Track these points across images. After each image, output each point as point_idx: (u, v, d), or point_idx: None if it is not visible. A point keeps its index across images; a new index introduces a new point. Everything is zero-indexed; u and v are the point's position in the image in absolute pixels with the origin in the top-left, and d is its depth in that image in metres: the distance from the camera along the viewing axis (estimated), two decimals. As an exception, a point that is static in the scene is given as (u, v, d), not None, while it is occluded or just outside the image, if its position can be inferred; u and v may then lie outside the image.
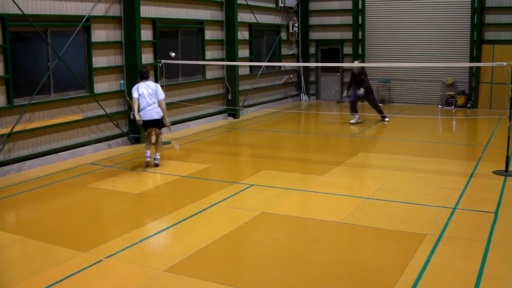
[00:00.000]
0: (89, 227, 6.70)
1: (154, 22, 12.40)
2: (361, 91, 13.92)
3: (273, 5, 17.75)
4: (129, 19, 11.31)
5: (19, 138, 9.35)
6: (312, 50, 19.45)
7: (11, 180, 8.78)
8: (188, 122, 13.70)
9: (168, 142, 11.58)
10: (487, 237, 5.97)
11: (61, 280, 5.06)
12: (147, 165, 9.52)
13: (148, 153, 9.56)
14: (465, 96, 16.75)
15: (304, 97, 19.41)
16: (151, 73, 11.46)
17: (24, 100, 9.39)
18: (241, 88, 15.65)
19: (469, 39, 16.57)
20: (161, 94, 9.44)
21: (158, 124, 9.51)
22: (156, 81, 12.13)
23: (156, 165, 9.52)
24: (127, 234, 6.27)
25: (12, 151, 9.26)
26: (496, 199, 7.40)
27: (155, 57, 12.47)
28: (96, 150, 10.86)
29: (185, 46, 13.79)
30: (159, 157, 9.63)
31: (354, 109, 14.16)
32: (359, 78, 14.02)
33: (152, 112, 9.32)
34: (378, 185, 8.19)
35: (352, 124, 14.06)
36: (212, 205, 7.33)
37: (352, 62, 16.16)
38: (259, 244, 6.05)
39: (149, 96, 9.30)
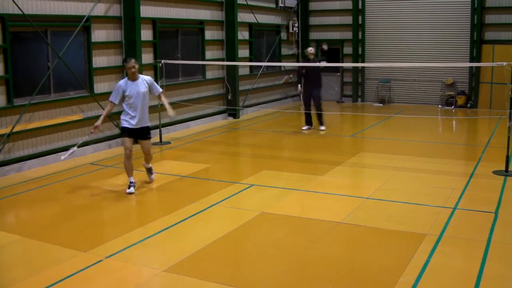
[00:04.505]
0: (89, 227, 6.70)
1: (154, 22, 12.39)
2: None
3: (273, 5, 17.74)
4: (129, 19, 11.31)
5: (19, 138, 9.35)
6: (312, 50, 19.41)
7: (11, 180, 8.78)
8: (188, 122, 13.69)
9: (169, 142, 11.58)
10: (487, 237, 5.97)
11: (61, 280, 5.06)
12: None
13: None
14: (465, 96, 16.74)
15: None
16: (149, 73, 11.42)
17: (24, 100, 9.39)
18: (241, 88, 15.64)
19: (469, 39, 16.57)
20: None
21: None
22: (156, 81, 12.12)
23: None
24: (127, 234, 6.27)
25: (12, 151, 9.26)
26: (496, 199, 7.40)
27: (155, 57, 12.47)
28: (96, 150, 10.86)
29: (185, 46, 13.79)
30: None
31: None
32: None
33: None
34: (378, 185, 8.19)
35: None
36: (212, 205, 7.33)
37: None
38: (259, 244, 6.05)
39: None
